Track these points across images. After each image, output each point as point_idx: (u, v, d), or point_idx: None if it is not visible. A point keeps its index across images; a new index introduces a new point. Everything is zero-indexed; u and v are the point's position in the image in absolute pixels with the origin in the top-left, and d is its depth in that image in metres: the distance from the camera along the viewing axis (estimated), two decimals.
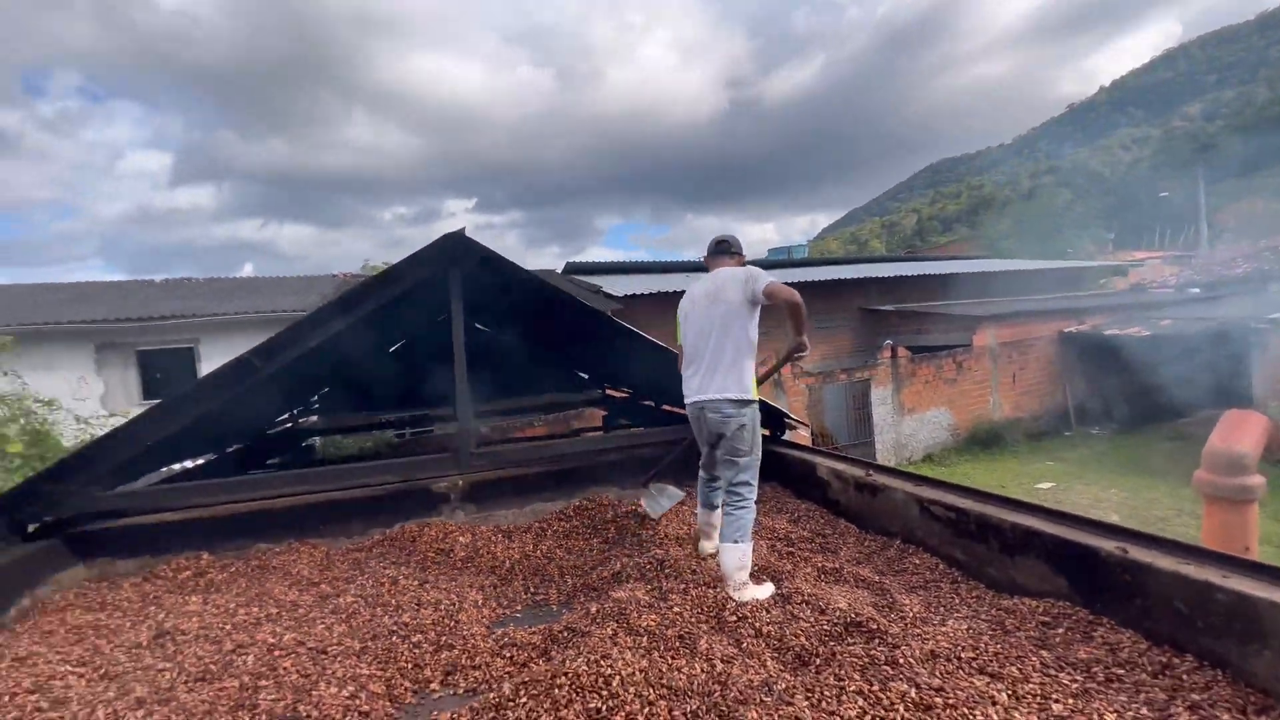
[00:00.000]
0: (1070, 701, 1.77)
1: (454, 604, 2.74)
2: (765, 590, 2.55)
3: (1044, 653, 2.02)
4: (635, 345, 4.29)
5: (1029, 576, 2.40)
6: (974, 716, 1.70)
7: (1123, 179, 49.34)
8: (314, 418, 8.17)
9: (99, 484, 3.38)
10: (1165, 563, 1.97)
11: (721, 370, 2.74)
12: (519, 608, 2.87)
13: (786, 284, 2.72)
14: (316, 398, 8.03)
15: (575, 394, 6.94)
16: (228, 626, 2.59)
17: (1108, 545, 2.13)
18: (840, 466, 3.64)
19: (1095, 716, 1.70)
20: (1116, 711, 1.71)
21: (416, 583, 3.01)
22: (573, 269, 17.19)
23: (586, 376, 7.73)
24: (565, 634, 2.37)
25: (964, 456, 12.42)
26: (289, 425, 7.29)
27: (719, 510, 3.00)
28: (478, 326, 6.82)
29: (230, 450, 5.84)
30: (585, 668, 1.97)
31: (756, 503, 2.74)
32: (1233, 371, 11.07)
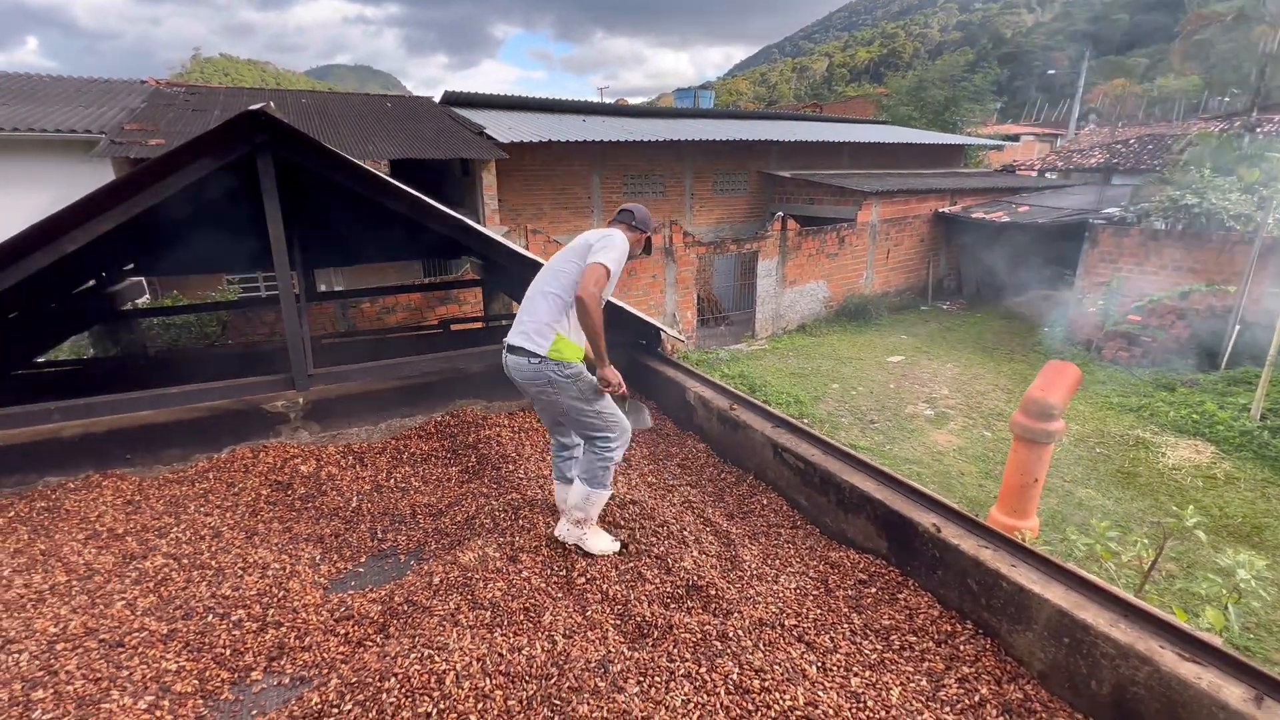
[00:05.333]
0: (867, 674, 1.98)
1: (285, 567, 2.54)
2: (603, 543, 2.51)
3: (855, 617, 2.24)
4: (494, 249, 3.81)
5: (857, 533, 2.60)
6: (785, 697, 1.86)
7: (1020, 45, 49.88)
8: (129, 281, 6.93)
9: None
10: (968, 545, 2.16)
11: (534, 316, 2.40)
12: (363, 558, 2.73)
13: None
14: (131, 262, 6.72)
15: (446, 269, 6.30)
16: None
17: (926, 521, 2.30)
18: (708, 394, 3.65)
19: (884, 690, 1.92)
20: (901, 684, 1.94)
21: (243, 536, 2.75)
22: (452, 99, 15.03)
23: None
24: (406, 608, 2.28)
25: (833, 328, 13.36)
26: (94, 288, 6.12)
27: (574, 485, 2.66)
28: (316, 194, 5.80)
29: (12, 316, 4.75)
30: (417, 667, 1.91)
31: (615, 462, 2.50)
32: (1067, 260, 12.38)
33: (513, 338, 2.42)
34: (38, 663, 2.00)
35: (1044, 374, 3.29)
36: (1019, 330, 12.68)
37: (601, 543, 2.50)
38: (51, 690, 1.90)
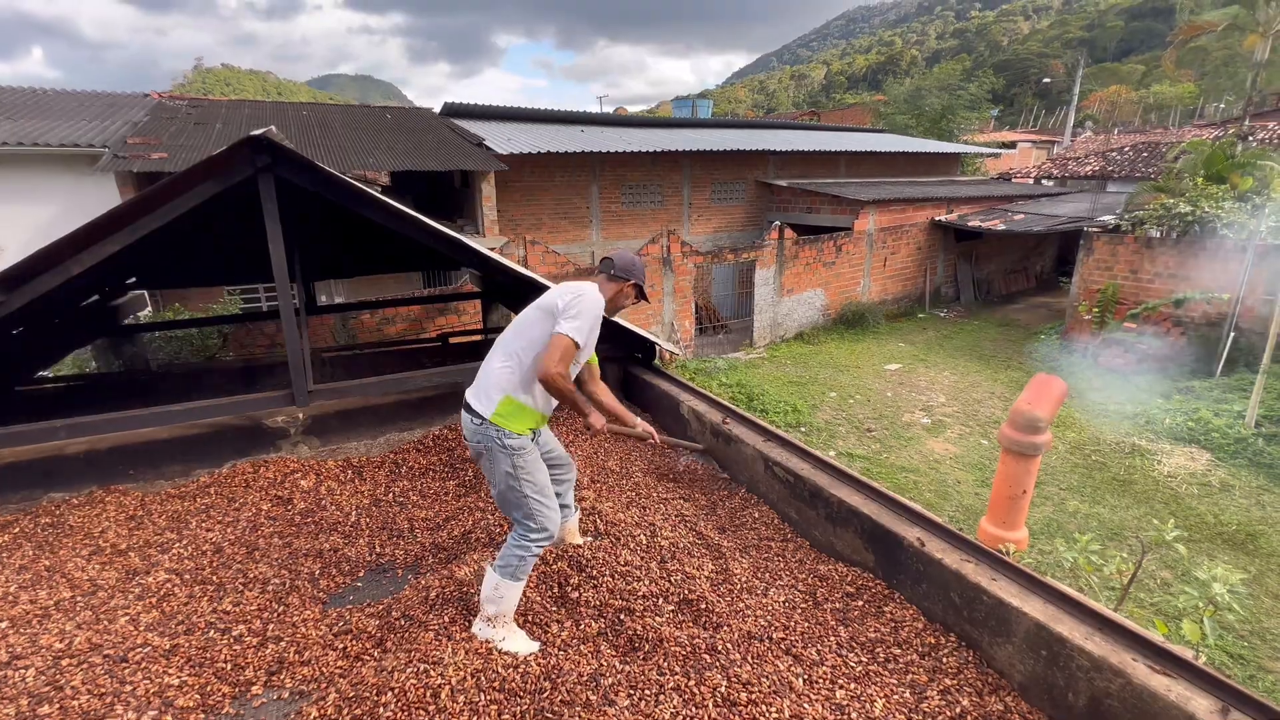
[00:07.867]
0: (852, 686, 2.03)
1: (285, 582, 2.59)
2: (517, 644, 2.19)
3: (842, 630, 2.29)
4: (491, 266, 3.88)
5: (846, 546, 2.65)
6: (771, 710, 1.91)
7: (1016, 52, 50.21)
8: (132, 294, 7.01)
9: None
10: (951, 559, 2.21)
11: (487, 374, 2.27)
12: (361, 573, 2.77)
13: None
14: (133, 276, 6.80)
15: (445, 282, 6.38)
16: (3, 624, 2.29)
17: (910, 535, 2.36)
18: (701, 408, 3.71)
19: (868, 702, 1.97)
20: (885, 697, 1.99)
21: (244, 551, 2.80)
22: (452, 110, 15.18)
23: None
24: (402, 623, 2.33)
25: (831, 336, 13.43)
26: (97, 301, 6.19)
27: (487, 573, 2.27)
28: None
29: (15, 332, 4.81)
30: (413, 681, 1.96)
31: (535, 555, 2.25)
32: (1064, 267, 12.45)
33: (467, 393, 2.31)
34: (44, 678, 2.05)
35: (1031, 387, 3.35)
36: (1016, 338, 12.74)
37: (519, 644, 2.19)
38: (57, 706, 1.95)
